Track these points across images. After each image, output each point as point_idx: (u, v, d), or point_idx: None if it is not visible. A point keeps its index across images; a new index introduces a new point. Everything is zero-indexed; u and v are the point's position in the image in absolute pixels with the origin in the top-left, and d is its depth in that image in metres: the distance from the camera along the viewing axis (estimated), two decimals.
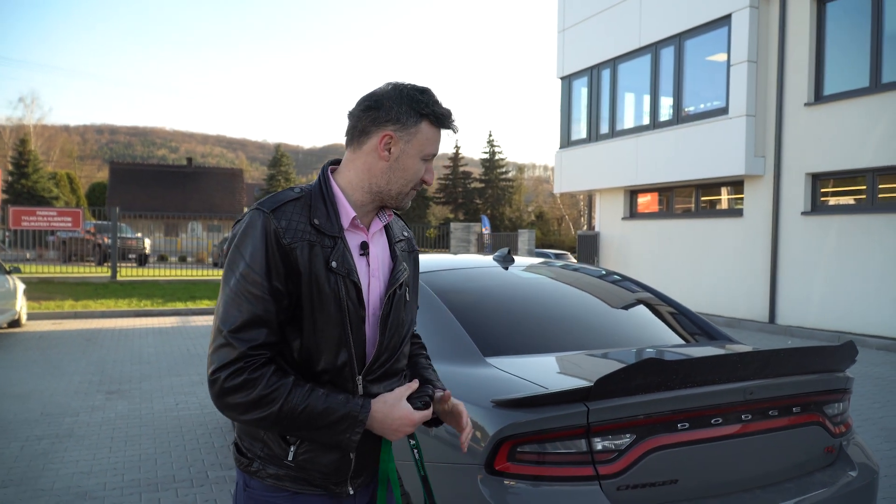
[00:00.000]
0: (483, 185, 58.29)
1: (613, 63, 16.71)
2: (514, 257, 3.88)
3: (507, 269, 3.70)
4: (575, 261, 20.54)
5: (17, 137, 53.11)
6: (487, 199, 57.17)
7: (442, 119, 1.65)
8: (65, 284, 18.21)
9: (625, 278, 4.00)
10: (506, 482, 2.24)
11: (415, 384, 1.67)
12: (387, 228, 1.78)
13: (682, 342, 3.25)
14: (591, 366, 2.82)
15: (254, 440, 1.63)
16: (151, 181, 51.10)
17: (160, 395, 7.12)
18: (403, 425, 1.59)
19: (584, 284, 3.75)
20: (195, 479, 4.66)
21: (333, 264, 1.56)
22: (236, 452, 1.68)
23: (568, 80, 18.42)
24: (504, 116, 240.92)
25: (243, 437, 1.66)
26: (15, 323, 12.03)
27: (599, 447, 2.24)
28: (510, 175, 59.90)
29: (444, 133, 1.71)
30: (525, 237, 22.26)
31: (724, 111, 13.60)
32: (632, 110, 16.63)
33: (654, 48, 15.41)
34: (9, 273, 11.82)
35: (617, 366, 2.78)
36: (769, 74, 13.11)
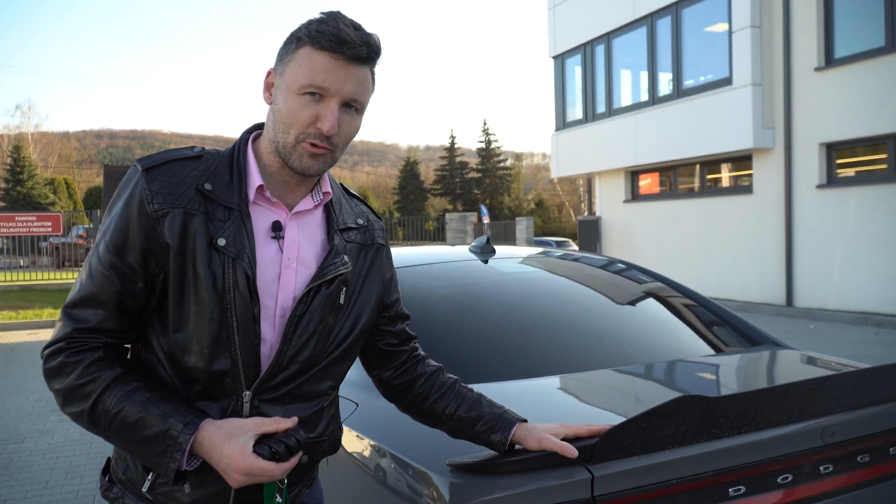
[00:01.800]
0: (480, 174, 57.49)
1: (607, 38, 15.89)
2: (496, 247, 3.11)
3: (486, 262, 2.93)
4: (577, 248, 19.81)
5: (11, 144, 52.65)
6: (485, 189, 56.32)
7: (317, 38, 1.25)
8: (46, 292, 17.53)
9: (632, 267, 3.23)
10: None
11: (286, 422, 1.27)
12: (329, 211, 1.43)
13: (713, 352, 2.49)
14: (599, 398, 2.06)
15: (118, 456, 1.38)
16: None
17: None
18: (230, 468, 1.19)
19: (582, 279, 2.98)
20: None
21: (220, 242, 1.26)
22: (101, 473, 1.43)
23: (561, 59, 17.62)
24: (499, 105, 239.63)
25: (113, 451, 1.41)
26: None
27: None
28: (507, 164, 59.08)
29: (348, 64, 1.28)
30: (523, 225, 21.51)
31: (727, 82, 12.79)
32: (629, 87, 15.83)
33: (649, 20, 14.59)
34: None
35: (636, 396, 2.02)
36: (774, 39, 12.29)
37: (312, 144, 1.28)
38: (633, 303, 2.88)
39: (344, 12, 1.31)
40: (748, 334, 2.63)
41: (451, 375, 1.62)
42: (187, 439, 1.20)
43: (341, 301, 1.40)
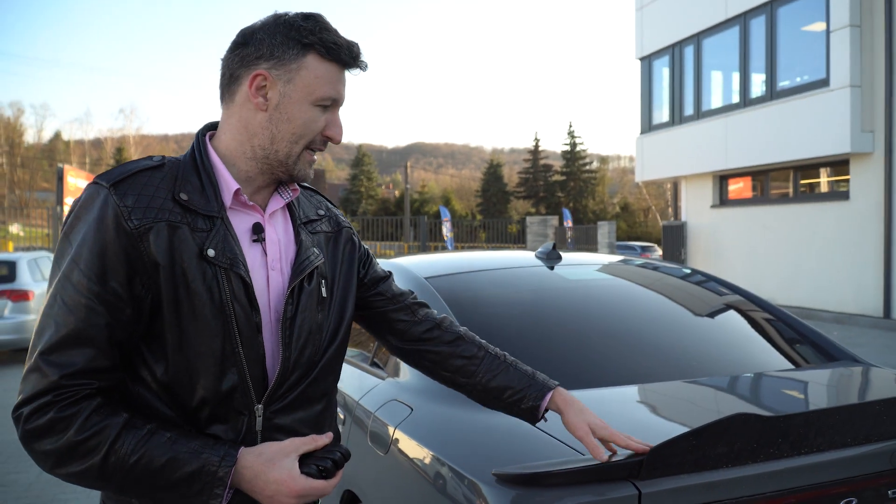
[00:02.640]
0: (564, 177, 56.92)
1: (697, 39, 15.43)
2: (563, 254, 3.08)
3: (552, 268, 2.90)
4: (661, 253, 19.34)
5: (115, 146, 55.96)
6: (569, 192, 55.73)
7: (334, 50, 1.27)
8: None
9: (710, 278, 3.13)
10: None
11: (322, 438, 1.24)
12: (290, 207, 1.40)
13: (787, 367, 2.39)
14: (658, 411, 2.02)
15: (118, 501, 1.23)
16: None
17: None
18: (279, 493, 1.15)
19: (650, 287, 2.91)
20: None
21: (210, 253, 1.19)
22: None
23: (648, 61, 17.23)
24: (585, 107, 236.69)
25: (107, 498, 1.26)
26: None
27: None
28: (592, 166, 58.26)
29: (349, 74, 1.33)
30: (605, 229, 21.13)
31: (824, 83, 12.18)
32: (719, 88, 15.33)
33: (742, 19, 14.07)
34: None
35: (703, 409, 1.97)
36: (876, 39, 11.62)
37: (312, 151, 1.31)
38: (703, 314, 2.80)
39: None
40: (826, 349, 2.51)
41: (476, 341, 1.57)
42: (228, 472, 1.13)
43: (324, 294, 1.36)
